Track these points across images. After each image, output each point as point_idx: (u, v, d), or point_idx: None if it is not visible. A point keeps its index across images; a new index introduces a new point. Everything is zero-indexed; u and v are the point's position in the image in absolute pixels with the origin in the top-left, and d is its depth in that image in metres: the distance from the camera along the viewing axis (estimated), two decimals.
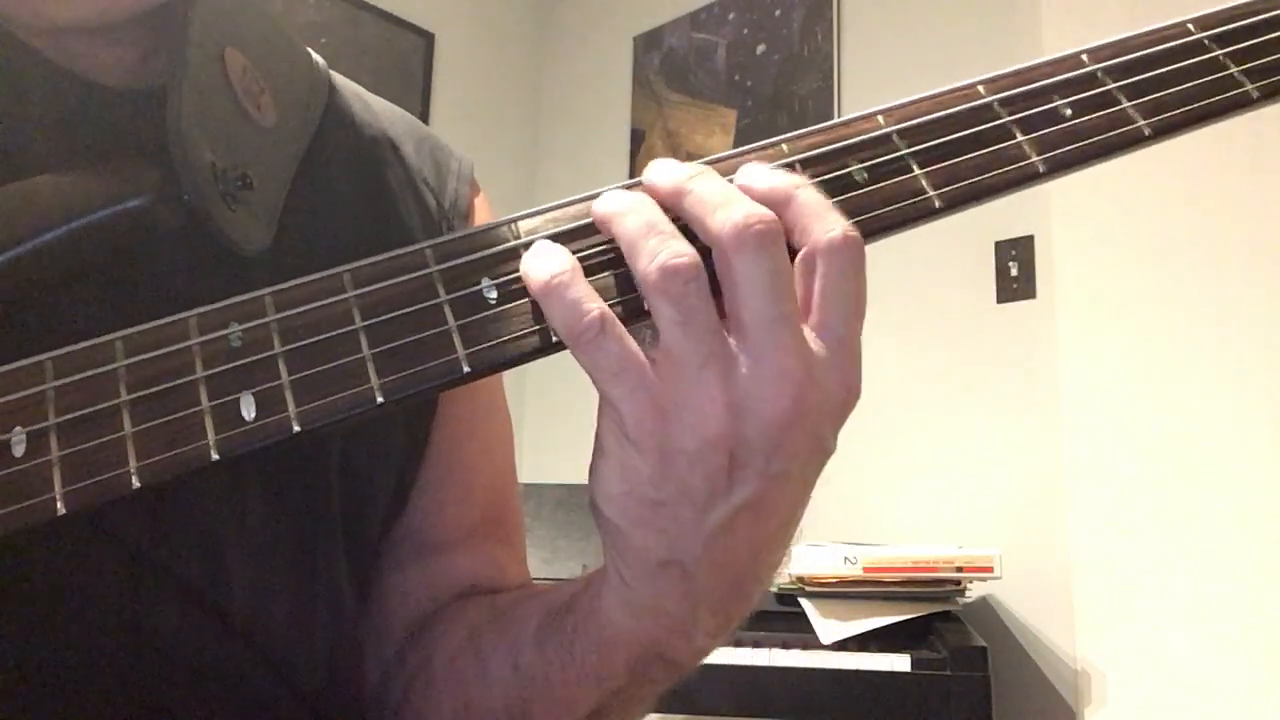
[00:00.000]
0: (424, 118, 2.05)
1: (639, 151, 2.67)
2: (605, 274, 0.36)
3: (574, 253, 0.36)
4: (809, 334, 0.34)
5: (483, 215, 0.60)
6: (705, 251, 0.34)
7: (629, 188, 0.37)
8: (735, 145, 2.28)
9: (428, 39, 2.65)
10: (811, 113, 2.30)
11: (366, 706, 0.53)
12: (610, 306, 0.34)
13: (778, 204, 0.35)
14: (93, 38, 0.47)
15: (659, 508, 0.35)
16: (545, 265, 0.35)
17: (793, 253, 0.35)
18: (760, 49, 2.45)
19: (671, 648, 0.39)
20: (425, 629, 0.52)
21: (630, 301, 0.35)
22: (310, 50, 0.56)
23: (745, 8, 2.50)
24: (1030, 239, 1.88)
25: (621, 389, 0.34)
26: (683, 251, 0.33)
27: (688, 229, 0.35)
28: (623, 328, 0.34)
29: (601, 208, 0.36)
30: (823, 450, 0.35)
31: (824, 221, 0.35)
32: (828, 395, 0.34)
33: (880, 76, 2.23)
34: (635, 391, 0.33)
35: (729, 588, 0.37)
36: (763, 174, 0.37)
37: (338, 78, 0.57)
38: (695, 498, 0.34)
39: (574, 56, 2.94)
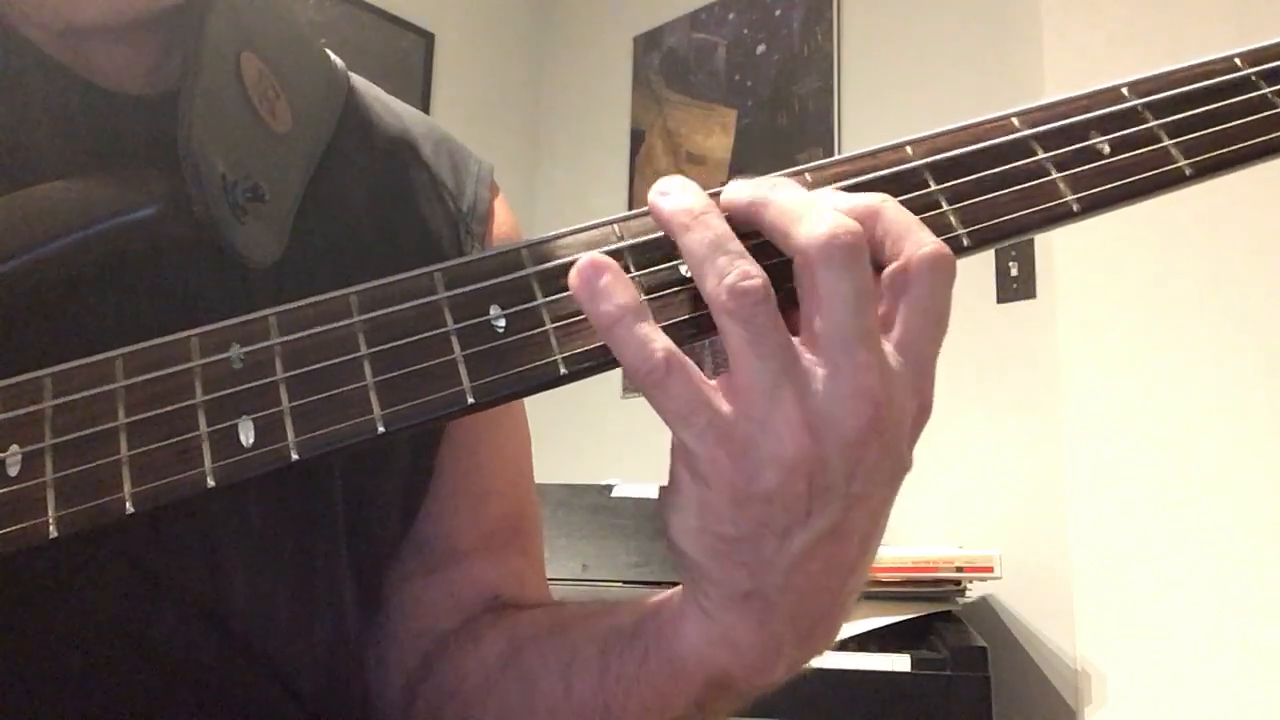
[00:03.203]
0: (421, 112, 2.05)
1: (639, 151, 2.67)
2: (660, 293, 0.35)
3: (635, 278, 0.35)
4: (889, 350, 0.33)
5: (502, 217, 0.59)
6: (772, 268, 0.33)
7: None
8: (735, 145, 2.26)
9: (428, 39, 2.64)
10: (811, 113, 2.30)
11: (379, 714, 0.52)
12: (665, 329, 0.33)
13: (865, 217, 0.34)
14: (108, 40, 0.46)
15: (738, 543, 0.34)
16: (610, 302, 0.33)
17: (876, 268, 0.34)
18: (760, 49, 2.45)
19: (745, 681, 0.38)
20: (456, 643, 0.51)
21: (695, 320, 0.34)
22: (329, 53, 0.55)
23: (745, 8, 2.50)
24: (1030, 239, 1.88)
25: (692, 430, 0.33)
26: (752, 273, 0.33)
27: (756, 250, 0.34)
28: (689, 366, 0.33)
29: (667, 210, 0.35)
30: (901, 468, 0.34)
31: (916, 236, 0.34)
32: (904, 413, 0.33)
33: (880, 76, 2.22)
34: (705, 432, 0.33)
35: (813, 621, 0.36)
36: (844, 194, 0.36)
37: (357, 80, 0.57)
38: (775, 529, 0.33)
39: (574, 56, 2.94)
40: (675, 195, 0.35)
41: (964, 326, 1.84)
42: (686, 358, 0.33)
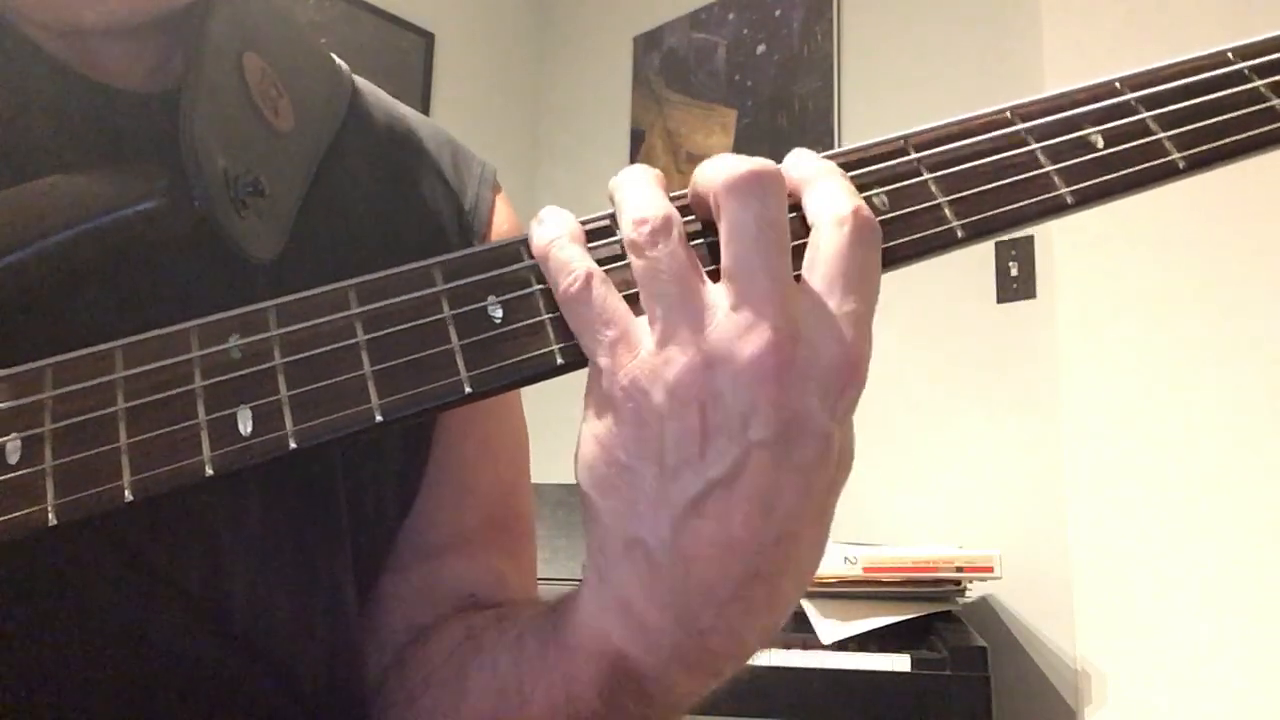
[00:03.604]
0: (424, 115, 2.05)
1: (639, 151, 2.67)
2: (623, 264, 0.35)
3: (592, 250, 0.35)
4: (806, 292, 0.33)
5: (504, 217, 0.60)
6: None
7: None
8: (735, 145, 2.27)
9: (428, 39, 2.65)
10: (811, 113, 2.30)
11: (367, 710, 0.52)
12: (626, 297, 0.34)
13: (802, 181, 0.36)
14: (112, 40, 0.47)
15: (627, 472, 0.33)
16: (545, 231, 0.35)
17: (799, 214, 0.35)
18: (760, 49, 2.45)
19: (639, 666, 0.36)
20: (424, 640, 0.51)
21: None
22: (333, 55, 0.56)
23: (745, 8, 2.50)
24: (1030, 239, 1.88)
25: (600, 342, 0.33)
26: (660, 205, 0.34)
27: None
28: (611, 288, 0.34)
29: (615, 179, 0.36)
30: (813, 430, 0.32)
31: (839, 197, 0.34)
32: (816, 356, 0.32)
33: (880, 77, 2.22)
34: (615, 344, 0.33)
35: (706, 603, 0.34)
36: (797, 156, 0.37)
37: (361, 82, 0.57)
38: (665, 460, 0.32)
39: (574, 56, 2.94)
40: (626, 171, 0.37)
41: (964, 326, 1.84)
42: (611, 283, 0.34)
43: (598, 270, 0.34)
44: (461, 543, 0.54)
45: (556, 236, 0.35)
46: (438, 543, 0.54)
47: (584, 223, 0.36)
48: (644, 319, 0.33)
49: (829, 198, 0.34)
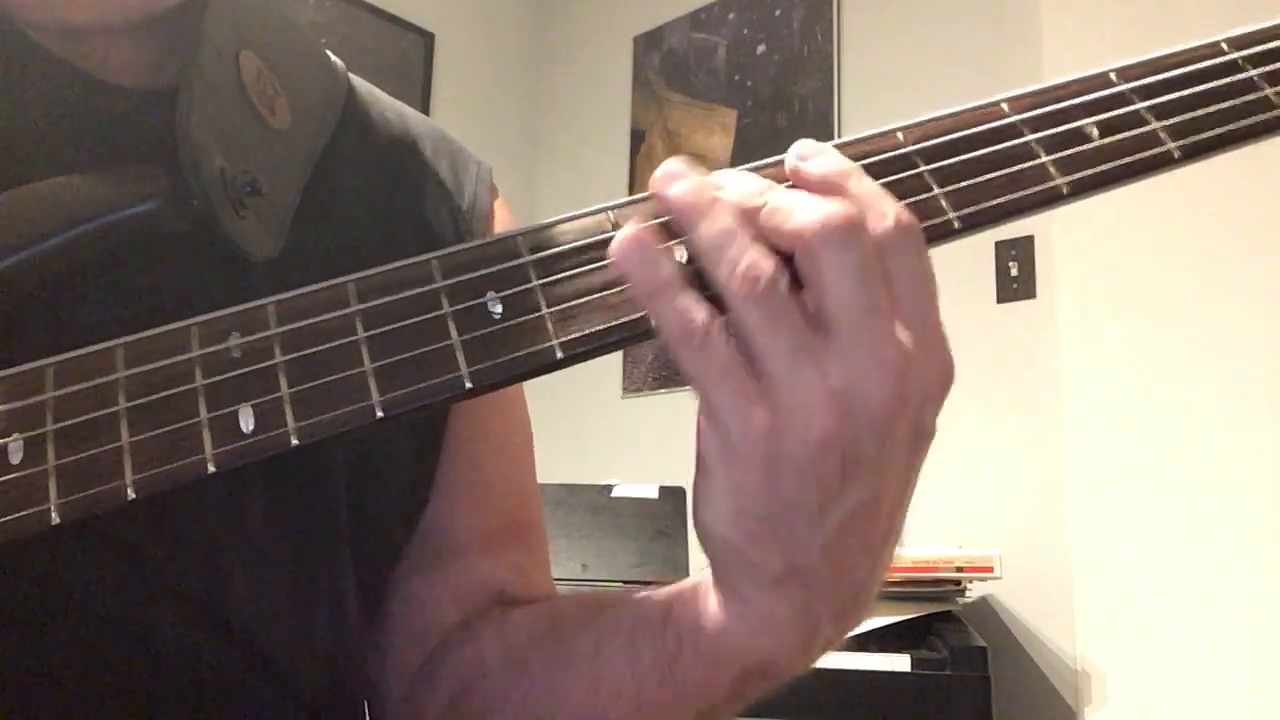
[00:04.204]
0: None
1: (639, 151, 2.67)
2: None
3: (592, 263, 0.35)
4: (899, 314, 0.34)
5: (502, 220, 0.59)
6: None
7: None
8: (735, 145, 2.26)
9: (428, 39, 2.65)
10: (811, 113, 2.30)
11: (380, 713, 0.52)
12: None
13: (837, 183, 0.35)
14: (106, 38, 0.47)
15: (773, 521, 0.34)
16: (652, 271, 0.34)
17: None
18: (760, 49, 2.45)
19: (787, 663, 0.38)
20: (461, 639, 0.51)
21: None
22: (330, 54, 0.56)
23: (745, 8, 2.50)
24: (1030, 239, 1.88)
25: (727, 393, 0.33)
26: (764, 254, 0.33)
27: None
28: (728, 337, 0.33)
29: (673, 199, 0.35)
30: (927, 435, 0.35)
31: (878, 210, 0.34)
32: (923, 379, 0.34)
33: (880, 76, 2.22)
34: (740, 397, 0.33)
35: (848, 596, 0.36)
36: (815, 161, 0.36)
37: (357, 81, 0.57)
38: (809, 505, 0.33)
39: (574, 56, 2.94)
40: (681, 183, 0.35)
41: (964, 326, 1.84)
42: (725, 330, 0.33)
43: (717, 320, 0.33)
44: (484, 541, 0.54)
45: (670, 282, 0.33)
46: (461, 542, 0.54)
47: (586, 214, 0.36)
48: (759, 362, 0.33)
49: (875, 213, 0.34)
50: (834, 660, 1.50)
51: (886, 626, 1.54)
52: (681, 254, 0.35)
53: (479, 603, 0.53)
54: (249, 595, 0.44)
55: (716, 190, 0.36)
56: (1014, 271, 1.90)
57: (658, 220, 0.36)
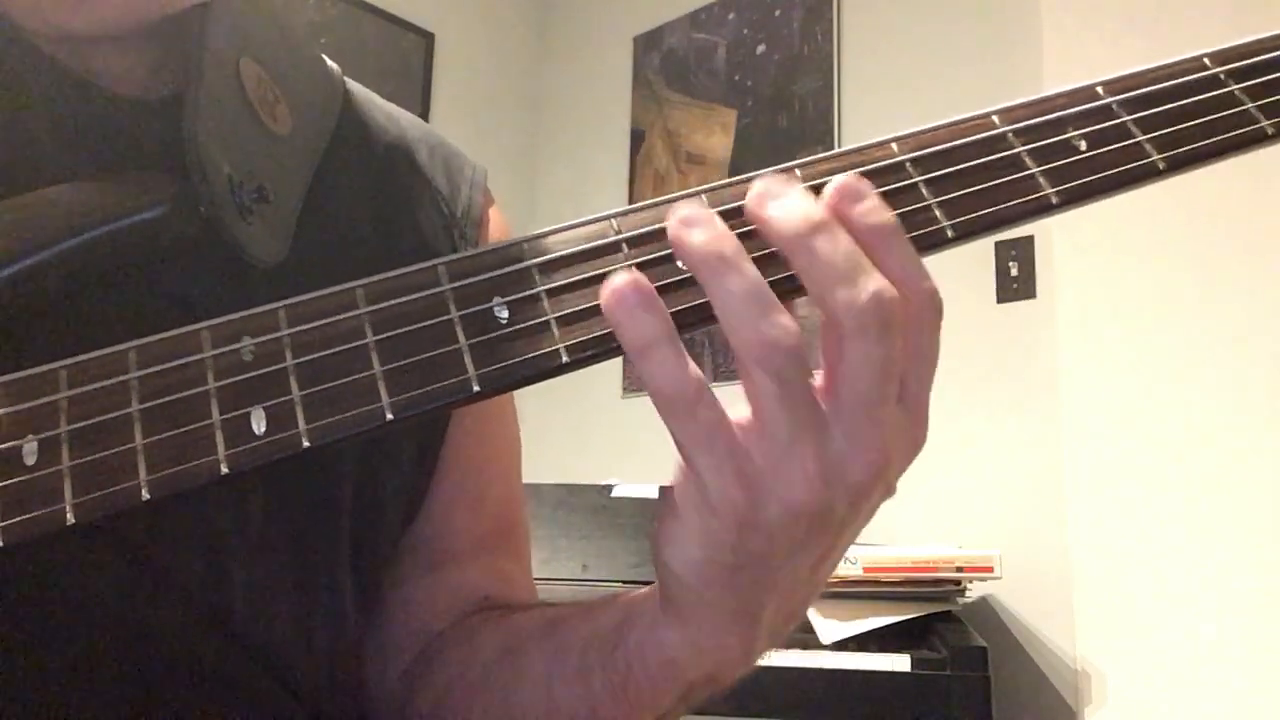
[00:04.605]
0: (424, 118, 2.05)
1: (639, 151, 2.67)
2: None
3: (595, 270, 0.35)
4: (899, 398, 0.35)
5: (496, 224, 0.60)
6: (771, 258, 0.34)
7: (719, 210, 0.35)
8: (735, 145, 2.26)
9: (428, 39, 2.65)
10: (811, 113, 2.30)
11: (373, 714, 0.52)
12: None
13: (872, 243, 0.34)
14: (106, 47, 0.47)
15: (736, 571, 0.35)
16: (644, 324, 0.33)
17: None
18: (760, 49, 2.45)
19: (729, 675, 0.40)
20: (441, 647, 0.52)
21: (693, 310, 0.35)
22: (325, 58, 0.56)
23: (745, 8, 2.50)
24: (1030, 239, 1.88)
25: (710, 459, 0.33)
26: (788, 327, 0.32)
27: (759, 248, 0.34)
28: (714, 396, 0.33)
29: (696, 246, 0.33)
30: (889, 493, 0.36)
31: (915, 280, 0.34)
32: (902, 452, 0.35)
33: (880, 76, 2.23)
34: (723, 463, 0.33)
35: (788, 617, 0.39)
36: (862, 212, 0.34)
37: (353, 85, 0.57)
38: (772, 561, 0.35)
39: (574, 56, 2.94)
40: (700, 231, 0.34)
41: (964, 326, 1.85)
42: (711, 390, 0.33)
43: (704, 383, 0.33)
44: (476, 548, 0.55)
45: (657, 335, 0.32)
46: (454, 549, 0.55)
47: (591, 221, 0.37)
48: (749, 427, 0.33)
49: (909, 283, 0.34)
50: (834, 660, 1.50)
51: (886, 626, 1.54)
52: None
53: (466, 607, 0.53)
54: (249, 594, 0.44)
55: (727, 188, 0.36)
56: (1014, 271, 1.90)
57: (651, 228, 0.36)
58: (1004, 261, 1.92)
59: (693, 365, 0.33)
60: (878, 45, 2.24)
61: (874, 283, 0.33)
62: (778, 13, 2.43)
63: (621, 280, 0.33)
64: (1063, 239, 1.75)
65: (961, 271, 1.94)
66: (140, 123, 0.46)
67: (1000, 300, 1.91)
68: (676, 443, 0.34)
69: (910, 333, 0.34)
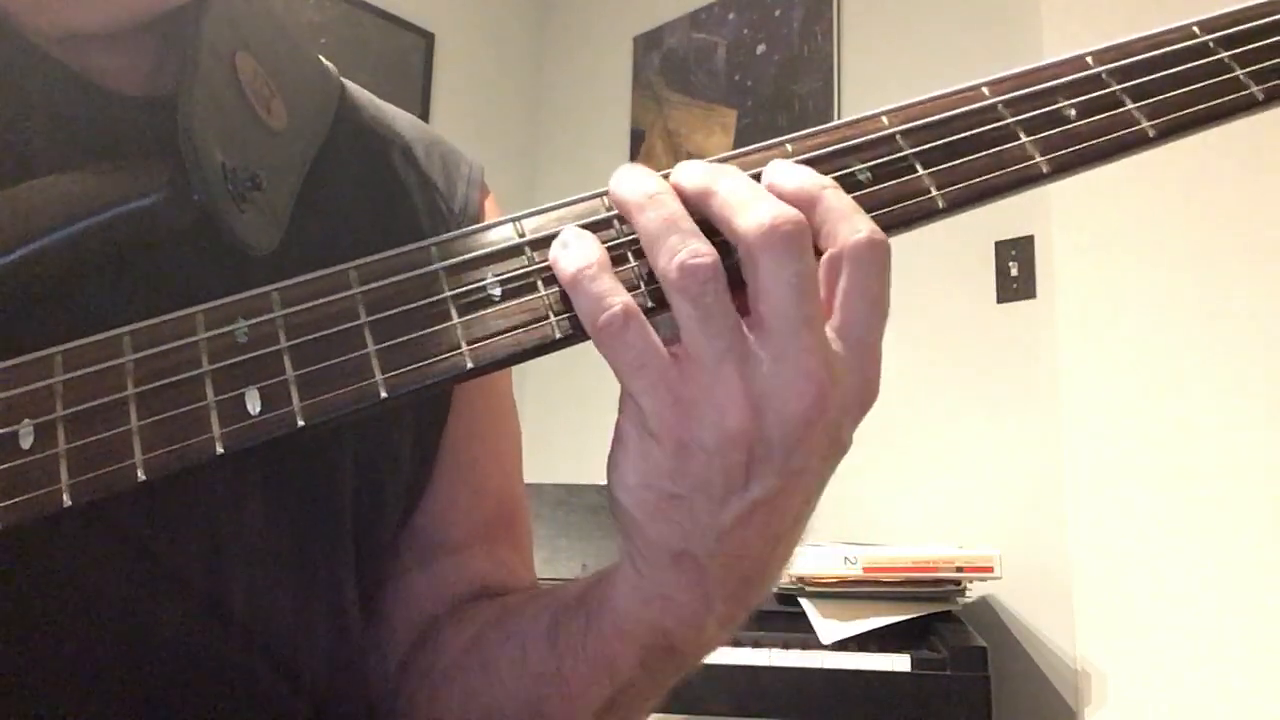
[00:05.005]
0: (424, 118, 2.05)
1: (639, 151, 2.67)
2: (628, 265, 0.36)
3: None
4: (831, 334, 0.34)
5: (492, 215, 0.60)
6: (725, 248, 0.35)
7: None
8: (735, 145, 2.28)
9: (428, 39, 2.65)
10: (811, 113, 2.30)
11: (374, 707, 0.53)
12: (634, 297, 0.35)
13: (805, 204, 0.35)
14: (106, 44, 0.47)
15: (676, 500, 0.35)
16: (574, 256, 0.35)
17: (818, 252, 0.35)
18: (760, 49, 2.45)
19: (681, 638, 0.39)
20: (434, 632, 0.52)
21: (653, 292, 0.35)
22: (321, 57, 0.56)
23: (745, 8, 2.50)
24: (1030, 239, 1.88)
25: (642, 382, 0.34)
26: (702, 251, 0.34)
27: (706, 224, 0.35)
28: (645, 321, 0.34)
29: (622, 192, 0.36)
30: (840, 447, 0.36)
31: (851, 223, 0.35)
32: (846, 394, 0.34)
33: (880, 76, 2.23)
34: (656, 385, 0.34)
35: (741, 580, 0.38)
36: (790, 173, 0.37)
37: (349, 84, 0.58)
38: (712, 492, 0.34)
39: (574, 56, 2.94)
40: (629, 177, 0.37)
41: (964, 326, 1.84)
42: (644, 318, 0.34)
43: (633, 305, 0.34)
44: (476, 539, 0.56)
45: (585, 265, 0.35)
46: (454, 540, 0.55)
47: (582, 200, 0.37)
48: (678, 353, 0.34)
49: (844, 225, 0.35)
50: (834, 660, 1.50)
51: (886, 626, 1.54)
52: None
53: (463, 597, 0.54)
54: (249, 586, 0.44)
55: (670, 180, 0.37)
56: (1014, 271, 1.90)
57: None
58: (1004, 261, 1.92)
59: (625, 294, 0.34)
60: (878, 45, 2.24)
61: (773, 204, 0.34)
62: (778, 13, 2.43)
63: (564, 229, 0.36)
64: (1063, 239, 1.75)
65: (961, 271, 1.94)
66: (139, 120, 0.46)
67: (1000, 300, 1.91)
68: (614, 371, 0.35)
69: (852, 268, 0.34)
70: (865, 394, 0.35)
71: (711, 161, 0.38)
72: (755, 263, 0.34)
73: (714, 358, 0.33)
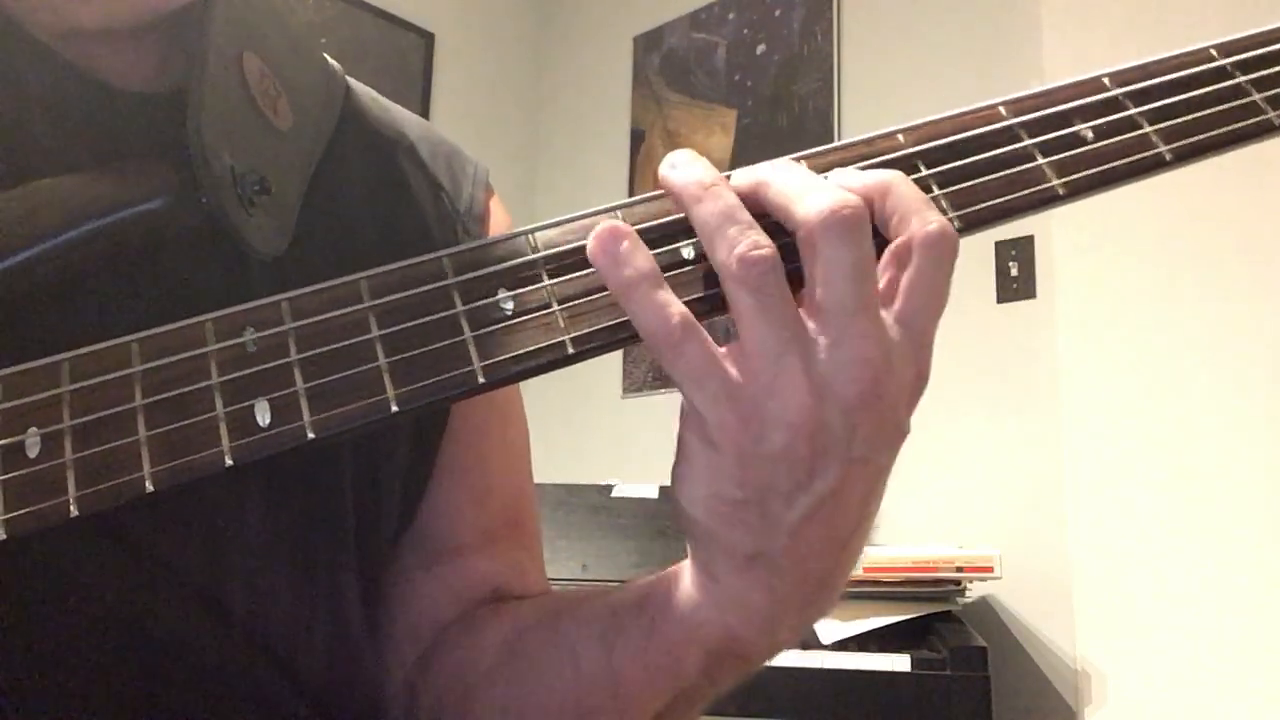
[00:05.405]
0: (424, 117, 2.05)
1: (639, 151, 2.67)
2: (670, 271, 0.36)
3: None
4: (889, 321, 0.34)
5: (498, 218, 0.60)
6: (781, 248, 0.35)
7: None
8: (735, 145, 2.26)
9: (428, 39, 2.65)
10: (811, 113, 2.30)
11: (381, 709, 0.52)
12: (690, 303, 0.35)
13: (875, 193, 0.36)
14: (112, 42, 0.47)
15: (745, 506, 0.35)
16: (629, 265, 0.35)
17: (882, 244, 0.35)
18: (760, 49, 2.45)
19: (752, 644, 0.39)
20: (455, 635, 0.52)
21: (701, 299, 0.35)
22: (326, 56, 0.56)
23: (745, 8, 2.50)
24: (1030, 239, 1.88)
25: (705, 393, 0.34)
26: (762, 243, 0.34)
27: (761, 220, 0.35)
28: (702, 331, 0.34)
29: (677, 180, 0.36)
30: (899, 433, 0.35)
31: (923, 214, 0.35)
32: (903, 381, 0.34)
33: (880, 76, 2.23)
34: (719, 395, 0.34)
35: (815, 581, 0.37)
36: (857, 172, 0.37)
37: (354, 83, 0.58)
38: (780, 491, 0.34)
39: (574, 56, 2.94)
40: (685, 168, 0.36)
41: (964, 326, 1.85)
42: (699, 324, 0.34)
43: (691, 318, 0.34)
44: (485, 540, 0.55)
45: (640, 278, 0.34)
46: (461, 541, 0.55)
47: (600, 212, 0.37)
48: (734, 352, 0.34)
49: (915, 215, 0.35)
50: (834, 660, 1.50)
51: (886, 626, 1.54)
52: (690, 251, 0.36)
53: (476, 600, 0.53)
54: (249, 588, 0.44)
55: (725, 175, 0.37)
56: (1014, 271, 1.90)
57: (664, 220, 0.37)
58: (1004, 261, 1.92)
59: (678, 303, 0.34)
60: (878, 45, 2.24)
61: (833, 190, 0.34)
62: (778, 13, 2.43)
63: (602, 227, 0.35)
64: (1063, 239, 1.75)
65: (961, 271, 1.93)
66: (143, 116, 0.46)
67: (1000, 300, 1.91)
68: (674, 381, 0.35)
69: (919, 257, 0.35)
70: (920, 383, 0.35)
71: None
72: (814, 248, 0.34)
73: (777, 348, 0.33)
